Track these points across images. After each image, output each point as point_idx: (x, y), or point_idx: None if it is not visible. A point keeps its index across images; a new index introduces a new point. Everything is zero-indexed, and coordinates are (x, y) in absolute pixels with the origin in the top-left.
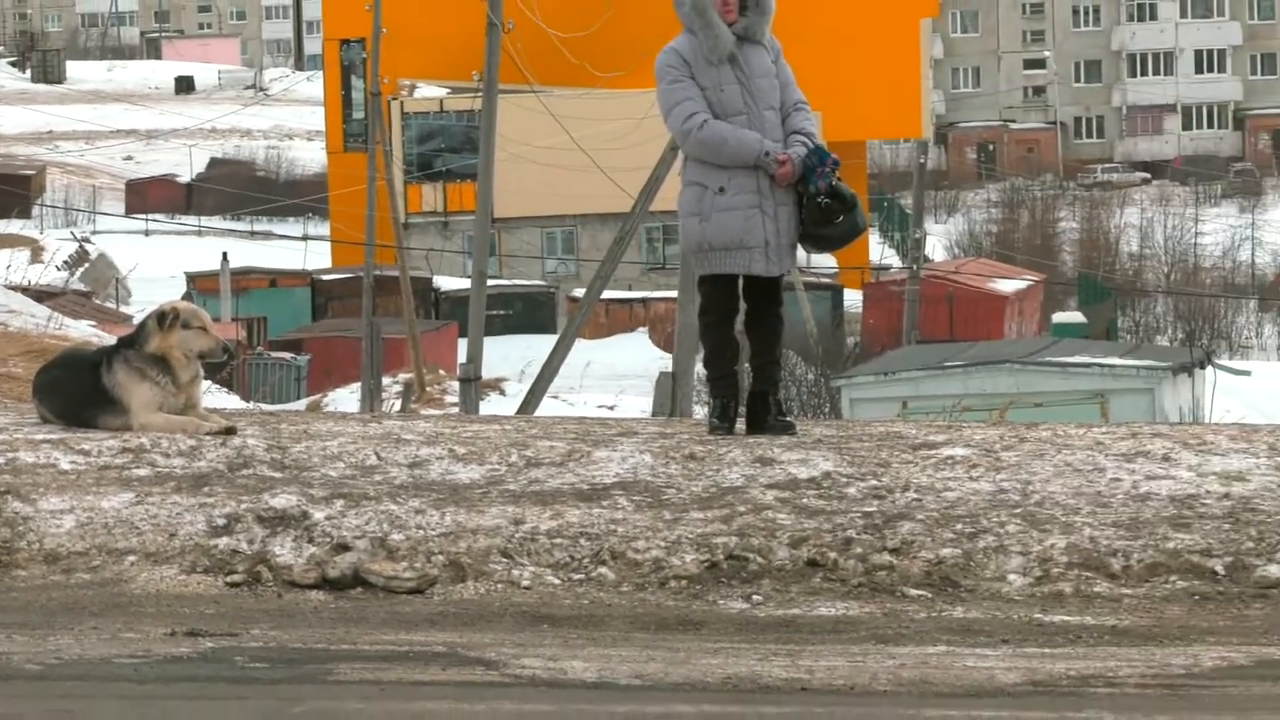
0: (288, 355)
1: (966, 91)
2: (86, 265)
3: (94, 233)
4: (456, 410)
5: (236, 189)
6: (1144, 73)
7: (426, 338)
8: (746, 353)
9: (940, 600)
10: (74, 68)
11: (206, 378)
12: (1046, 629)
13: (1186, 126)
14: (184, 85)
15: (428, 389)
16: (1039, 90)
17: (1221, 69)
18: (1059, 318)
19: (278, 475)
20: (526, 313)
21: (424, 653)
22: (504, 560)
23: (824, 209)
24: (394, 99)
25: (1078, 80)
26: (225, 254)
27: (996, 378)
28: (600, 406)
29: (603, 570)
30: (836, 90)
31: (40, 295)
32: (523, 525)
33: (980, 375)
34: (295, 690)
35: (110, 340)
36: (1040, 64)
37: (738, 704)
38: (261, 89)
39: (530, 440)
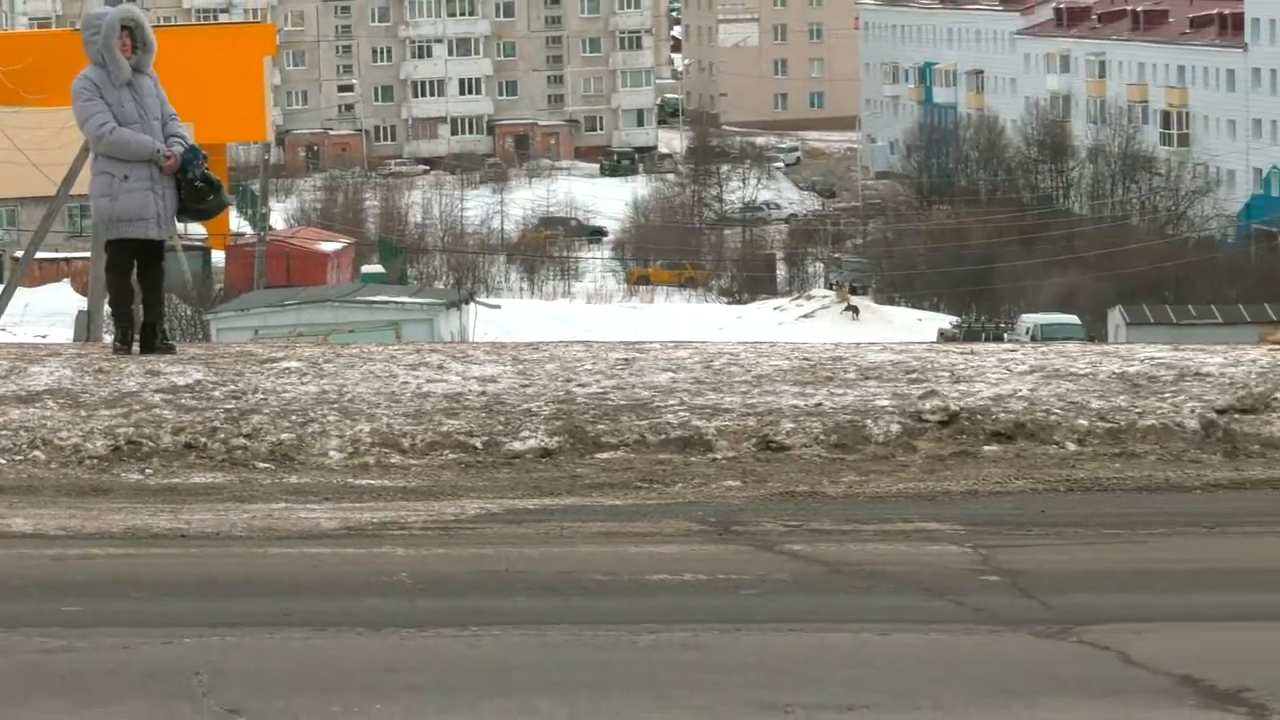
0: None
1: (298, 108)
2: None
3: None
4: None
5: None
6: (424, 94)
7: None
8: (140, 295)
9: (281, 471)
10: None
11: None
12: (357, 490)
13: (454, 133)
14: None
15: None
16: (349, 107)
17: (478, 92)
18: (366, 269)
19: None
20: None
21: None
22: None
23: (198, 190)
24: None
25: (377, 100)
26: None
27: (321, 312)
28: (36, 336)
29: (36, 453)
30: (203, 106)
31: None
32: None
33: (310, 310)
34: None
35: None
36: (350, 88)
37: (135, 548)
38: None
39: None
